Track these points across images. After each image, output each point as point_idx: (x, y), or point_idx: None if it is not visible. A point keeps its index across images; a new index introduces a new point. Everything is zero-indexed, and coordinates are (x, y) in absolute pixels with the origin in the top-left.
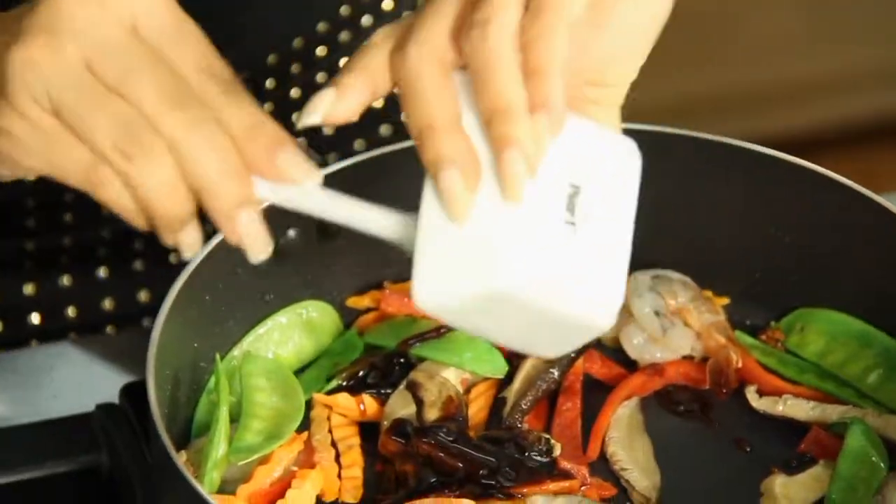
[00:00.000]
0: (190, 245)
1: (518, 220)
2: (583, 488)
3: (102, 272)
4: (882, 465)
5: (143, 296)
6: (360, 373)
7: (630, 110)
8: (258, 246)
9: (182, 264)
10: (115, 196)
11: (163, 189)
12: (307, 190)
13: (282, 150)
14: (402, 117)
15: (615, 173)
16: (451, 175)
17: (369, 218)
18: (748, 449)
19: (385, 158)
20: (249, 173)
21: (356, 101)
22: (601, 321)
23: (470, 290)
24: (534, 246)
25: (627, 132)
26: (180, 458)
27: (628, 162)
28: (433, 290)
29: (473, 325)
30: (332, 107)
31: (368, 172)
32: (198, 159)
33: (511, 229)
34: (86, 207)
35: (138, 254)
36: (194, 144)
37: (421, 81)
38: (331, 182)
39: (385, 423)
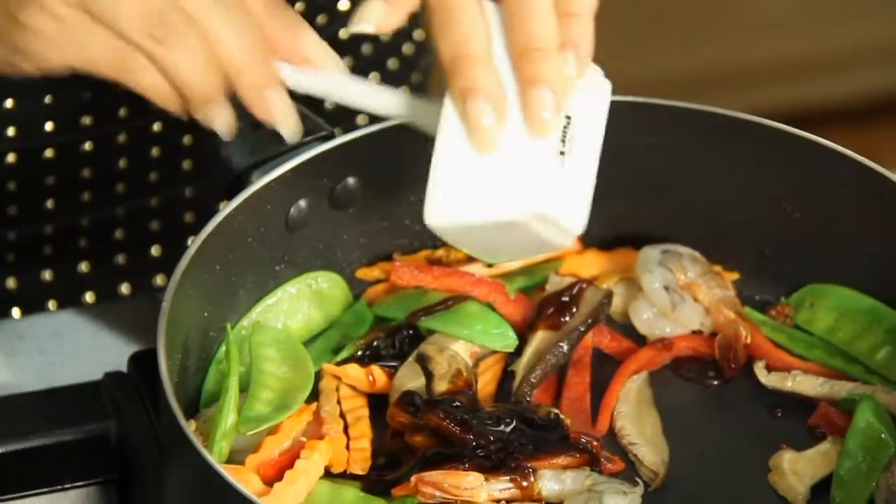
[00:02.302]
0: (223, 125)
1: (534, 151)
2: (600, 464)
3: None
4: (891, 441)
5: (154, 250)
6: (370, 344)
7: (639, 85)
8: (289, 122)
9: (197, 225)
10: (148, 81)
11: (196, 70)
12: (327, 74)
13: (306, 35)
14: (423, 37)
15: (594, 109)
16: (482, 106)
17: (384, 98)
18: (779, 413)
19: (388, 132)
20: (274, 57)
21: (404, 11)
22: (568, 242)
23: (483, 215)
24: (544, 176)
25: (635, 106)
26: (189, 428)
27: (603, 101)
28: (446, 211)
29: (469, 244)
30: (383, 16)
31: (373, 146)
32: (227, 43)
33: (529, 161)
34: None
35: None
36: (224, 29)
37: (459, 6)
38: (335, 155)
39: (394, 395)
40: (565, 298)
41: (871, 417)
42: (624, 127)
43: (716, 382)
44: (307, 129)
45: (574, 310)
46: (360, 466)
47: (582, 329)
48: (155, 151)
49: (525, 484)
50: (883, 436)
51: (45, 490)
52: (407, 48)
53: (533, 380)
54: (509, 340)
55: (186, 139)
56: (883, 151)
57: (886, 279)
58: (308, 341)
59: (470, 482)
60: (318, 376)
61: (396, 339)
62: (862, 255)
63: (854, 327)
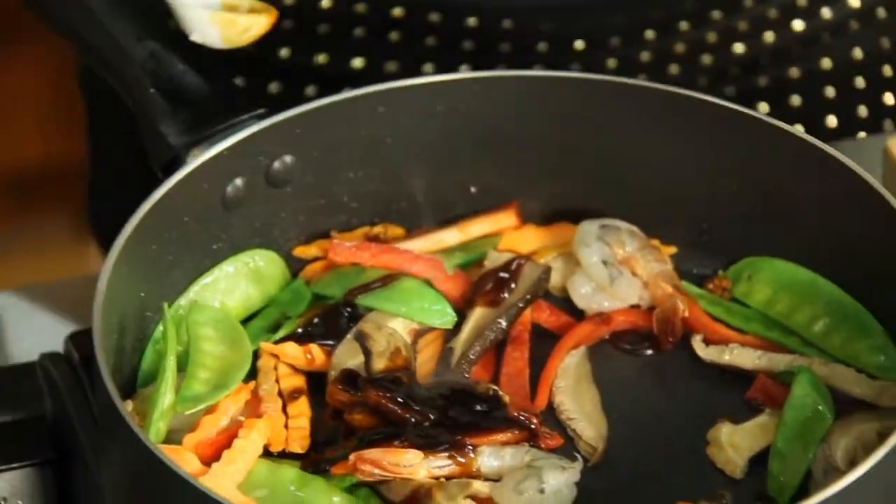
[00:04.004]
0: None
1: None
2: (539, 440)
3: None
4: (828, 413)
5: None
6: (308, 322)
7: None
8: None
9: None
10: None
11: None
12: None
13: None
14: None
15: None
16: None
17: None
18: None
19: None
20: None
21: None
22: None
23: None
24: None
25: (574, 82)
26: (126, 408)
27: None
28: None
29: None
30: None
31: (309, 124)
32: None
33: None
34: None
35: None
36: None
37: None
38: (271, 133)
39: (332, 373)
40: (504, 274)
41: (808, 390)
42: (562, 102)
43: (653, 353)
44: (243, 106)
45: (512, 286)
46: (299, 445)
47: (520, 305)
48: None
49: (464, 460)
50: (820, 408)
51: None
52: None
53: (471, 356)
54: (448, 317)
55: None
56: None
57: (824, 251)
58: (246, 320)
59: (409, 459)
60: (256, 355)
61: (335, 317)
62: (799, 227)
63: (791, 300)
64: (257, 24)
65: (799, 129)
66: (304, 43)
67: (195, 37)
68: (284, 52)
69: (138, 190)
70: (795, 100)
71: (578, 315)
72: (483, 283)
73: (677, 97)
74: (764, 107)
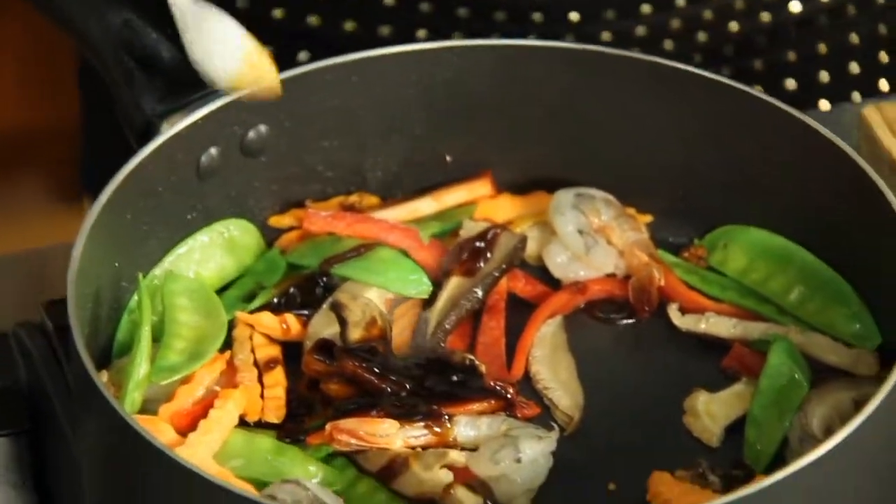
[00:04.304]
0: None
1: None
2: (516, 409)
3: None
4: (804, 382)
5: None
6: (284, 292)
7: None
8: None
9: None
10: None
11: None
12: None
13: None
14: None
15: None
16: None
17: None
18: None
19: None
20: None
21: None
22: None
23: None
24: None
25: (548, 50)
26: (101, 378)
27: None
28: None
29: None
30: None
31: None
32: None
33: None
34: None
35: None
36: None
37: None
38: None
39: (308, 342)
40: (479, 244)
41: (784, 358)
42: (537, 71)
43: (629, 322)
44: None
45: (488, 255)
46: (275, 415)
47: (496, 274)
48: None
49: (440, 430)
50: (796, 376)
51: None
52: None
53: (447, 326)
54: (423, 287)
55: None
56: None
57: (799, 220)
58: (221, 290)
59: (385, 429)
60: (232, 325)
61: (310, 287)
62: (775, 196)
63: (767, 268)
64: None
65: (774, 99)
66: (297, 4)
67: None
68: (278, 13)
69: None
70: (790, 83)
71: (554, 284)
72: (459, 252)
73: (653, 66)
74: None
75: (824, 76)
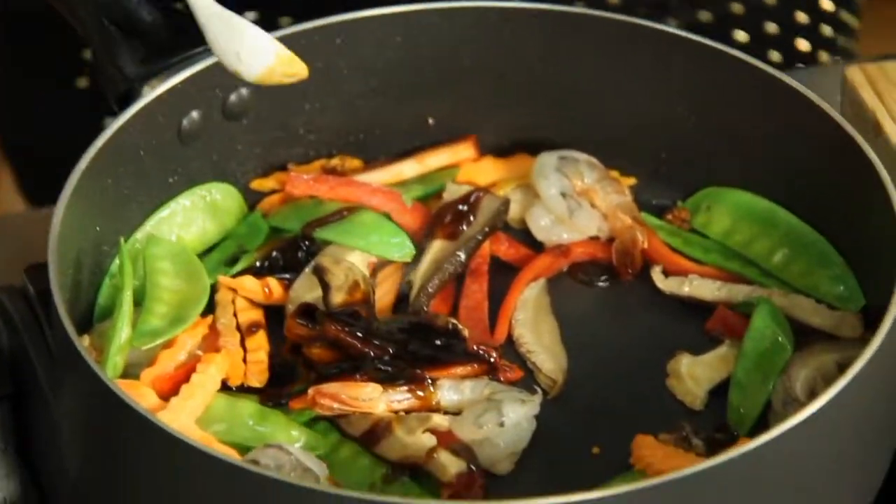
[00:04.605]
0: None
1: None
2: (499, 373)
3: None
4: (787, 344)
5: None
6: (266, 256)
7: None
8: None
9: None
10: None
11: None
12: None
13: None
14: None
15: None
16: None
17: None
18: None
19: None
20: None
21: None
22: None
23: None
24: None
25: (531, 13)
26: (83, 343)
27: None
28: None
29: None
30: None
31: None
32: None
33: None
34: None
35: None
36: None
37: None
38: None
39: (291, 307)
40: (462, 207)
41: (768, 321)
42: (520, 33)
43: (612, 285)
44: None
45: (471, 218)
46: (258, 379)
47: (479, 237)
48: None
49: (423, 394)
50: (780, 339)
51: None
52: None
53: (430, 290)
54: (406, 250)
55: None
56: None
57: (783, 182)
58: (203, 254)
59: (368, 393)
60: (214, 289)
61: (292, 250)
62: (759, 158)
63: (750, 230)
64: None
65: (758, 61)
66: None
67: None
68: None
69: (58, 121)
70: (740, 35)
71: (537, 247)
72: (442, 215)
73: (635, 28)
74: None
75: (772, 27)
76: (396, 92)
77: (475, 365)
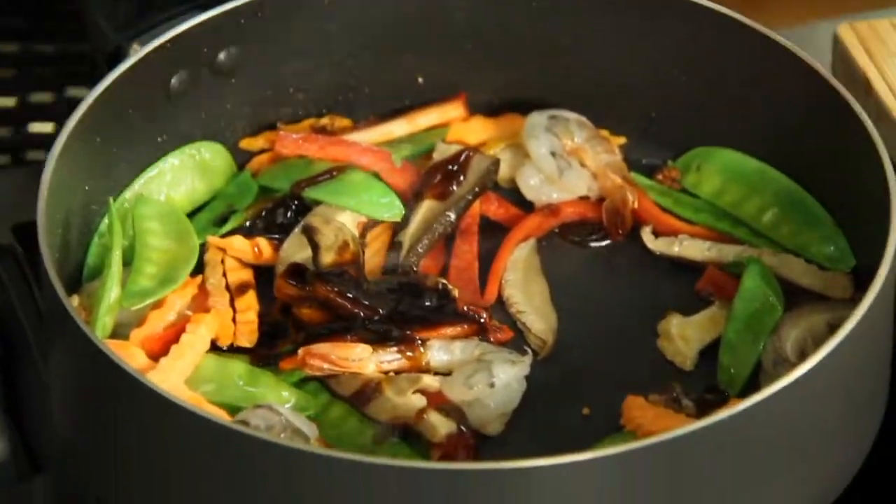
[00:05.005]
0: None
1: None
2: (489, 333)
3: None
4: (778, 305)
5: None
6: (256, 216)
7: None
8: None
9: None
10: None
11: None
12: None
13: None
14: None
15: None
16: None
17: None
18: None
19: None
20: None
21: None
22: None
23: None
24: None
25: None
26: (72, 303)
27: None
28: None
29: None
30: None
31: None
32: None
33: None
34: None
35: None
36: None
37: None
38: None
39: (280, 267)
40: (452, 167)
41: (758, 281)
42: None
43: (602, 245)
44: None
45: (461, 178)
46: (248, 339)
47: (469, 197)
48: None
49: (413, 355)
50: (770, 299)
51: None
52: None
53: (420, 250)
54: (396, 210)
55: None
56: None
57: (773, 141)
58: (192, 213)
59: (358, 353)
60: (203, 249)
61: (282, 210)
62: (749, 117)
63: (741, 190)
64: None
65: (748, 19)
66: None
67: None
68: None
69: None
70: None
71: (527, 207)
72: (431, 175)
73: None
74: None
75: None
76: (385, 50)
77: (465, 325)
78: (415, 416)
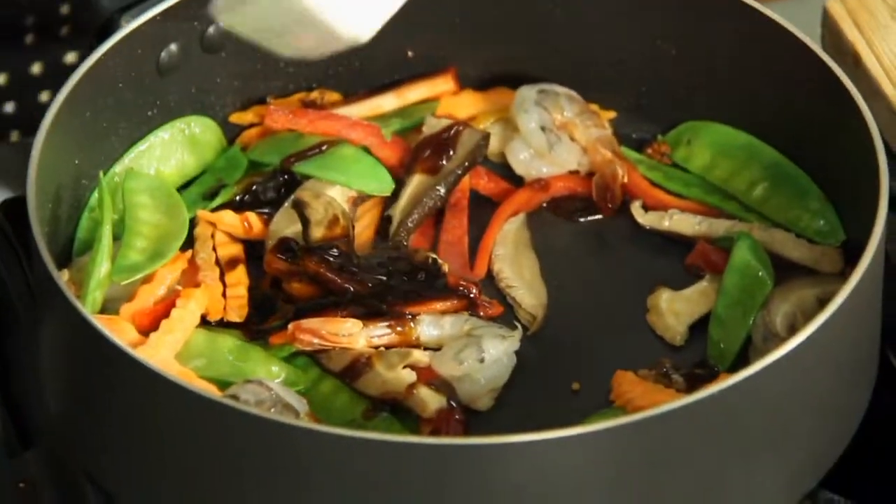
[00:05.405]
0: None
1: None
2: (479, 308)
3: None
4: (768, 279)
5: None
6: (246, 190)
7: None
8: None
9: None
10: None
11: None
12: None
13: None
14: None
15: None
16: None
17: None
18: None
19: None
20: None
21: None
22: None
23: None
24: None
25: None
26: (62, 277)
27: None
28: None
29: (250, 23)
30: None
31: None
32: None
33: None
34: None
35: None
36: None
37: None
38: None
39: (270, 241)
40: (442, 141)
41: (748, 255)
42: None
43: (592, 219)
44: None
45: (451, 152)
46: (237, 314)
47: (459, 172)
48: None
49: (403, 330)
50: (760, 274)
51: None
52: None
53: (410, 224)
54: (385, 184)
55: None
56: None
57: (763, 115)
58: (182, 187)
59: (348, 328)
60: (193, 223)
61: (272, 184)
62: (739, 91)
63: (731, 164)
64: None
65: None
66: None
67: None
68: None
69: None
70: None
71: (517, 181)
72: (421, 149)
73: None
74: None
75: None
76: None
77: (455, 300)
78: (405, 392)
